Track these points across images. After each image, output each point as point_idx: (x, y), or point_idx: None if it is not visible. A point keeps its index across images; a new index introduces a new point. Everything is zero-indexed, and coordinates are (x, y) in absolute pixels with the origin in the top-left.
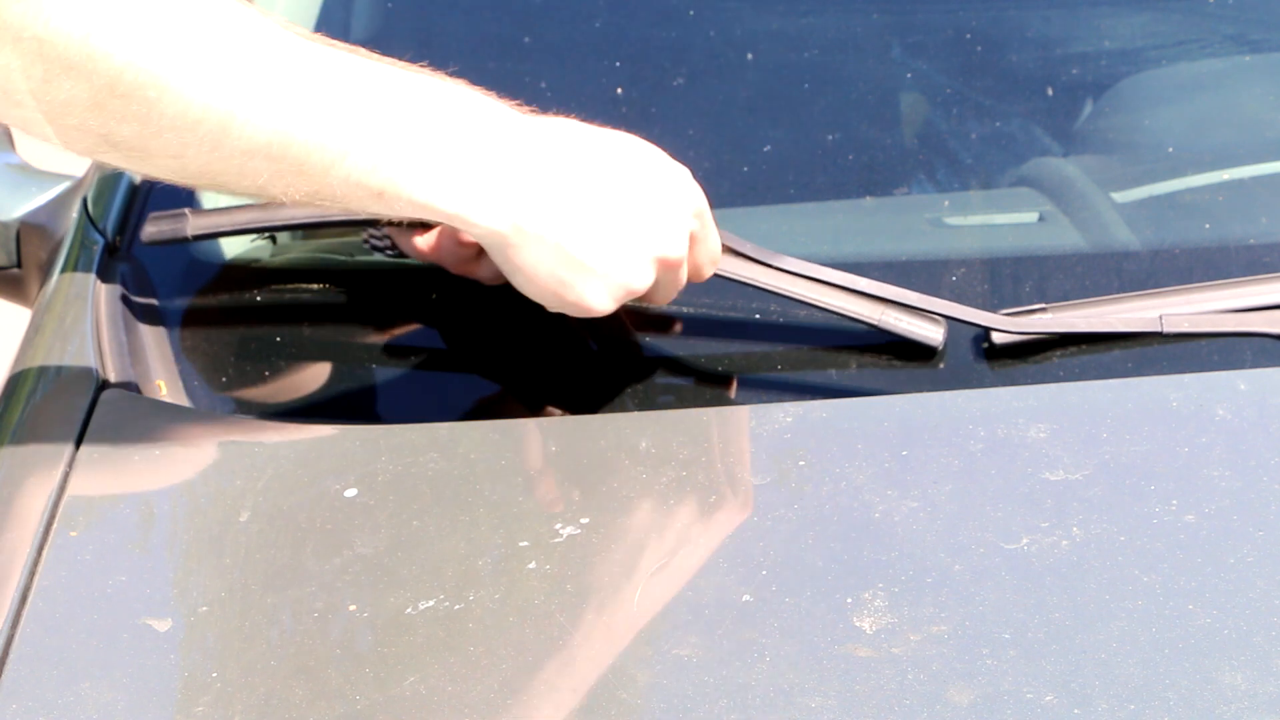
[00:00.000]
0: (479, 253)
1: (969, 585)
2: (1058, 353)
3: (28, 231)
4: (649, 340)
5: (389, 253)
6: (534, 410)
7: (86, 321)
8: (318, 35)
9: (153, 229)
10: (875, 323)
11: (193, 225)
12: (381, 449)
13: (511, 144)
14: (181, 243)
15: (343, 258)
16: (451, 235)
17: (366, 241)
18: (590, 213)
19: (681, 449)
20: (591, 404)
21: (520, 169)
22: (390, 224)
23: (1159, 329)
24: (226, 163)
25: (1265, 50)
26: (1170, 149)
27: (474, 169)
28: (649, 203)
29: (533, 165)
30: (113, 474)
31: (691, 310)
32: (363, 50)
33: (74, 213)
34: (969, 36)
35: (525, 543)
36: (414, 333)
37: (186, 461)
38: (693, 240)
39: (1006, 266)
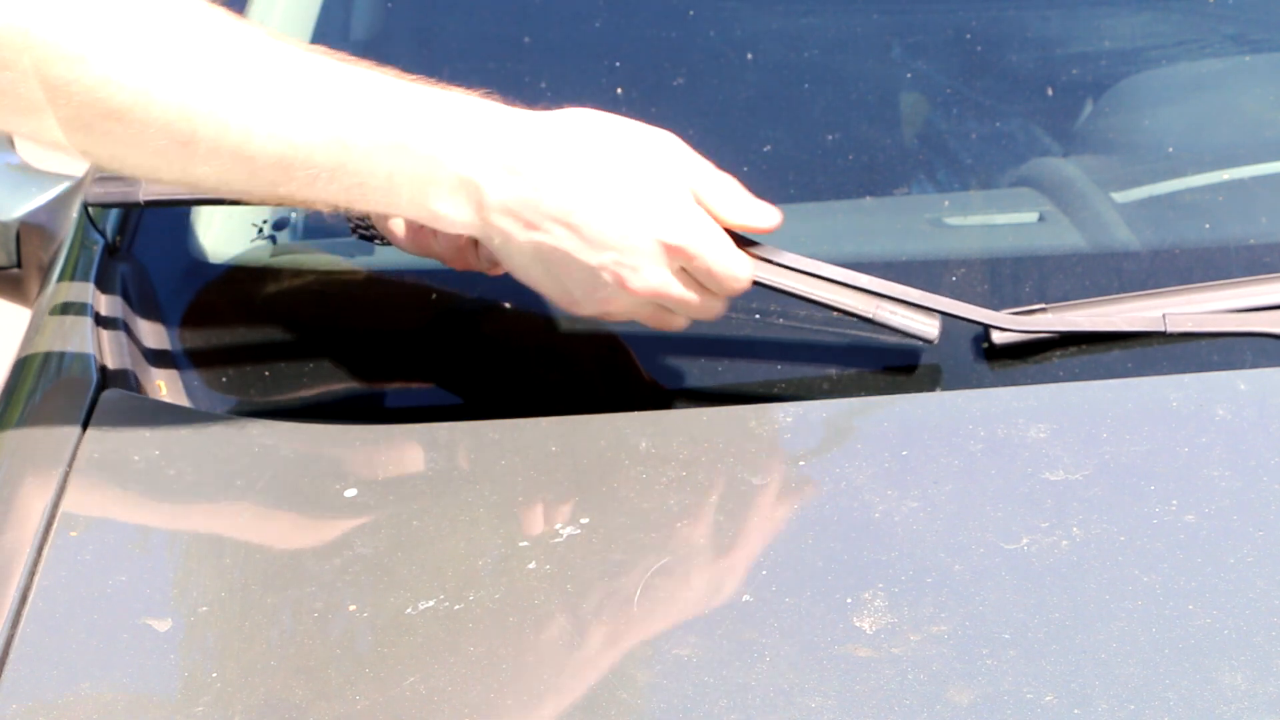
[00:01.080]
0: (472, 242)
1: (969, 585)
2: (1058, 353)
3: (28, 231)
4: (649, 340)
5: (377, 242)
6: (534, 410)
7: (86, 321)
8: (286, 38)
9: (99, 189)
10: (870, 316)
11: (145, 190)
12: (381, 449)
13: (491, 151)
14: (133, 206)
15: (343, 258)
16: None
17: (354, 231)
18: (587, 220)
19: (681, 449)
20: (591, 404)
21: (500, 174)
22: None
23: (1163, 328)
24: (202, 178)
25: (1265, 50)
26: (1170, 149)
27: (450, 180)
28: (651, 207)
29: (513, 171)
30: (113, 474)
31: None
32: (338, 54)
33: (74, 213)
34: (969, 36)
35: (525, 543)
36: (414, 333)
37: (186, 461)
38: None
39: (1007, 266)
